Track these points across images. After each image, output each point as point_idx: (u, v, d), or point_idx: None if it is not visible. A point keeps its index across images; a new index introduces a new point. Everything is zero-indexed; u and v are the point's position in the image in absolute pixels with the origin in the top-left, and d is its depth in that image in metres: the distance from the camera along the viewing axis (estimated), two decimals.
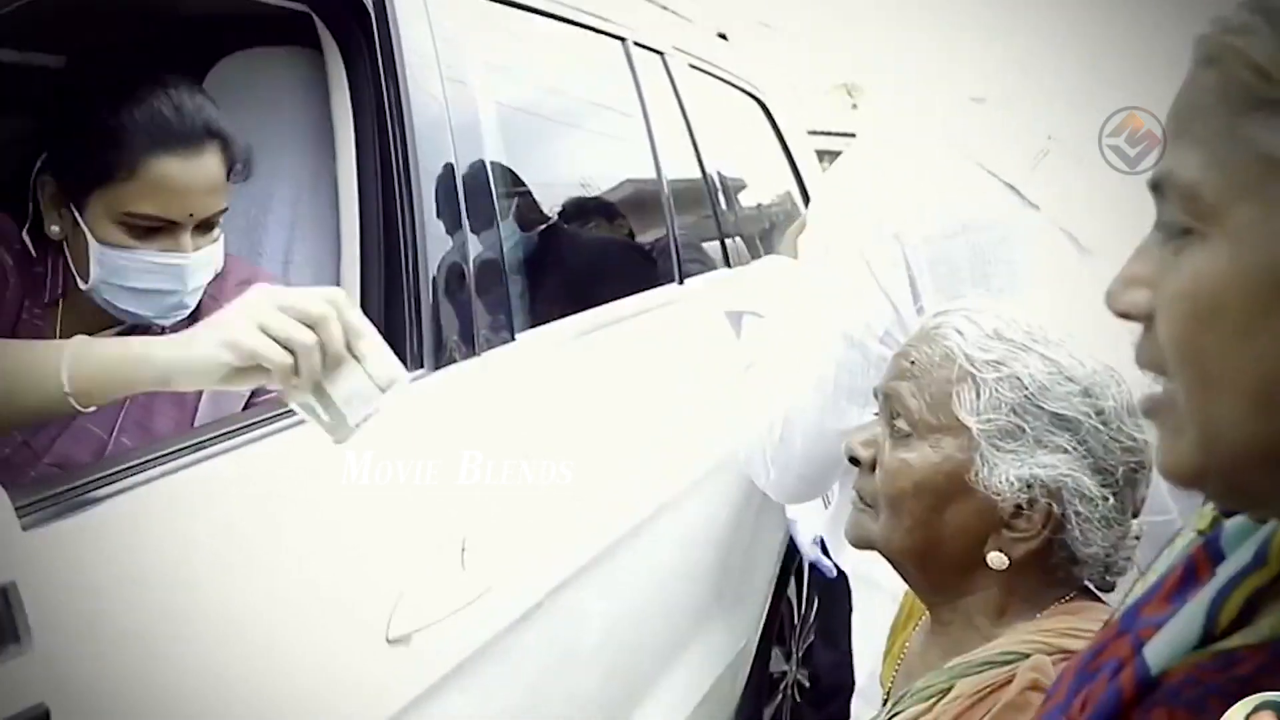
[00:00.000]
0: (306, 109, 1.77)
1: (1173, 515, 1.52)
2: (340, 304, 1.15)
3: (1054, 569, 1.21)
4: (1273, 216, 0.54)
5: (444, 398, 1.63)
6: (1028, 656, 1.14)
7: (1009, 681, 1.13)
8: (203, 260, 1.50)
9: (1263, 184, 0.55)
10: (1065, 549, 1.19)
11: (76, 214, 1.48)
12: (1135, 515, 1.22)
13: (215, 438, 1.28)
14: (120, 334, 1.54)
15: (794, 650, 3.28)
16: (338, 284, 1.67)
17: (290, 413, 1.37)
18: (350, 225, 1.68)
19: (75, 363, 1.12)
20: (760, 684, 3.03)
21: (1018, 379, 1.18)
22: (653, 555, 2.21)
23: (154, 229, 1.46)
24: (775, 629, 3.10)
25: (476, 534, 1.55)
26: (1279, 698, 0.49)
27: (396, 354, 1.58)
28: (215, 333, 1.13)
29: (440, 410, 1.62)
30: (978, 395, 1.18)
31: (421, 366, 1.62)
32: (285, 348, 1.10)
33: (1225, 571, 0.63)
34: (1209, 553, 0.65)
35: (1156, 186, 0.60)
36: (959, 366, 1.20)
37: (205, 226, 1.50)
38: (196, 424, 1.54)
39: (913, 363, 1.24)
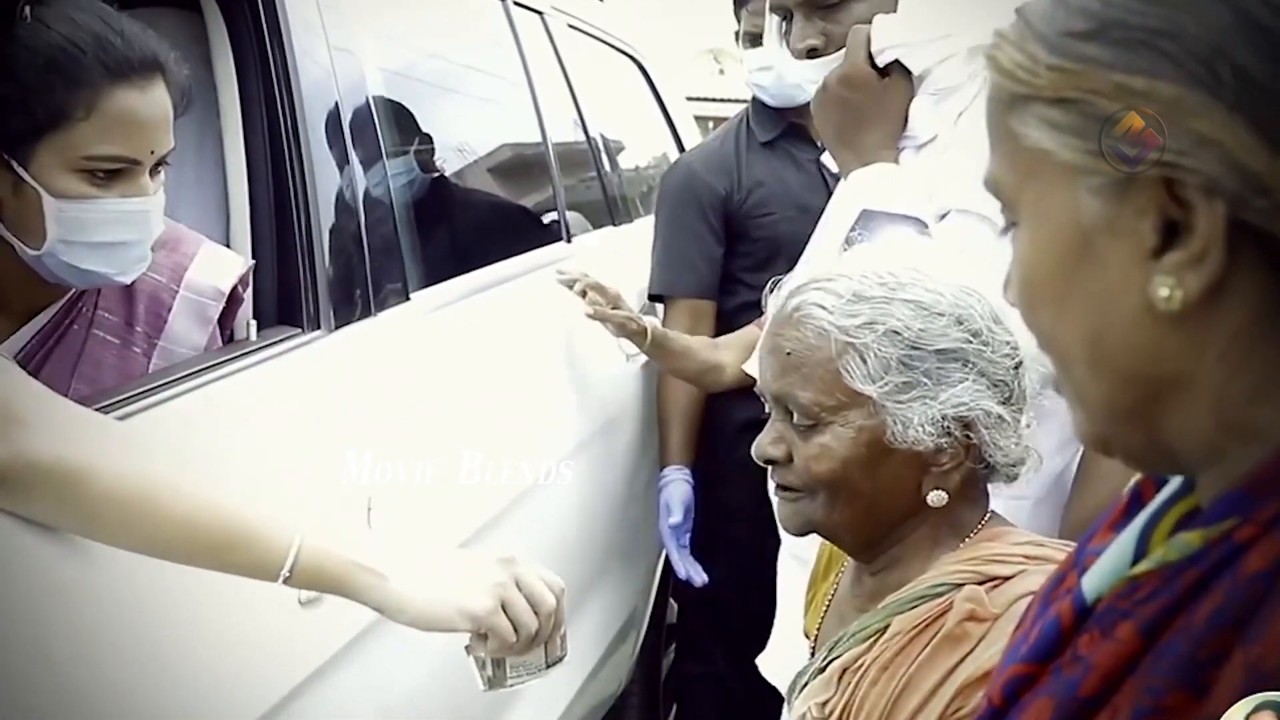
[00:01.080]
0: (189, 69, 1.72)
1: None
2: (559, 593, 1.23)
3: (975, 487, 1.26)
4: (1048, 196, 0.61)
5: (342, 359, 1.61)
6: (959, 586, 1.18)
7: (945, 613, 1.17)
8: (160, 204, 1.38)
9: (1035, 171, 0.61)
10: (984, 465, 1.24)
11: (20, 170, 1.29)
12: (1025, 404, 1.26)
13: (139, 393, 1.25)
14: (59, 313, 1.45)
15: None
16: (227, 244, 1.64)
17: (203, 371, 1.35)
18: (239, 186, 1.65)
19: (304, 556, 1.10)
20: (658, 634, 3.07)
21: (894, 332, 1.20)
22: (550, 514, 2.22)
23: (114, 172, 1.32)
24: (670, 582, 3.15)
25: (381, 495, 1.55)
26: (1279, 698, 0.51)
27: (291, 316, 1.59)
28: (456, 596, 1.16)
29: (339, 371, 1.60)
30: (864, 361, 1.20)
31: (317, 328, 1.60)
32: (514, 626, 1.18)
33: (1159, 499, 0.66)
34: (1155, 481, 0.69)
35: (988, 190, 0.67)
36: (835, 341, 1.21)
37: (156, 167, 1.37)
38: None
39: (790, 354, 1.25)
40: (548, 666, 1.26)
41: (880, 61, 1.68)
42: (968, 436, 1.21)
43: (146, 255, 1.39)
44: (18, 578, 1.03)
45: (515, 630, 1.18)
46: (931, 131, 1.70)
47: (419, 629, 1.18)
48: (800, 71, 1.76)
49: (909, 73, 1.70)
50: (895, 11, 1.69)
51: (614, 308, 2.24)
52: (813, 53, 1.74)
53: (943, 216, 1.66)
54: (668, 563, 3.09)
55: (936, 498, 1.23)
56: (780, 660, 1.95)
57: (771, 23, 1.81)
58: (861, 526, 1.27)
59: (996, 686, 0.67)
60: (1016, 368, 1.23)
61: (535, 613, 1.20)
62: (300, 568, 1.11)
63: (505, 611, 1.18)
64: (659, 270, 2.65)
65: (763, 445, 1.28)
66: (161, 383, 1.32)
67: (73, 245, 1.33)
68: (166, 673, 1.15)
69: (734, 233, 2.55)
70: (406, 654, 1.58)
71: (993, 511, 1.30)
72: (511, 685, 1.25)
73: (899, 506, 1.25)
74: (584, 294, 2.23)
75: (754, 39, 2.55)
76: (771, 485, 1.32)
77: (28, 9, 1.30)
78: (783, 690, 2.01)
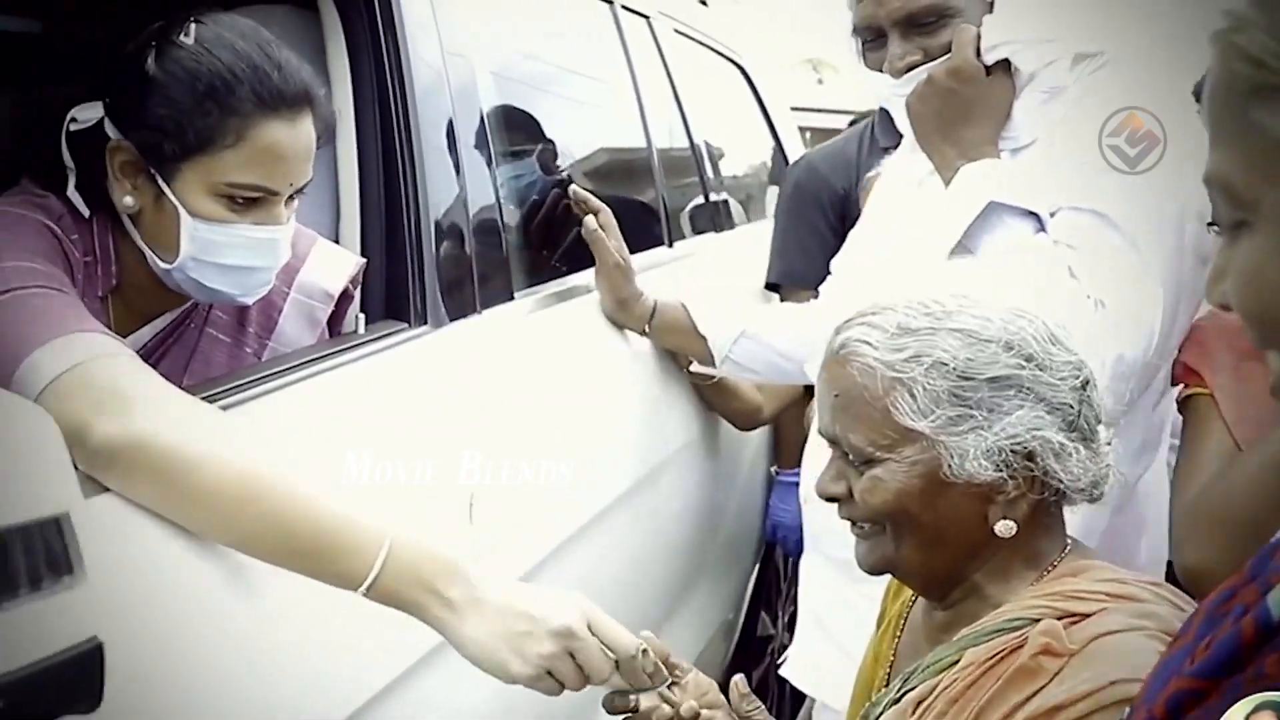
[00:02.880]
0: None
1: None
2: (634, 654, 1.24)
3: (1049, 515, 1.22)
4: None
5: (448, 354, 1.62)
6: (1036, 621, 1.14)
7: (1019, 647, 1.13)
8: (290, 232, 1.40)
9: None
10: (1055, 493, 1.19)
11: (163, 185, 1.33)
12: (1099, 423, 1.22)
13: (247, 383, 1.27)
14: (178, 319, 1.49)
15: (780, 615, 3.30)
16: (337, 240, 1.65)
17: (311, 362, 1.37)
18: (350, 184, 1.67)
19: (385, 576, 1.12)
20: (748, 648, 3.04)
21: (942, 364, 1.16)
22: (647, 519, 2.21)
23: (252, 199, 1.34)
24: (762, 595, 3.12)
25: (482, 491, 1.55)
26: (1279, 698, 0.48)
27: (398, 311, 1.60)
28: (506, 655, 1.18)
29: (445, 367, 1.61)
30: (913, 396, 1.17)
31: (424, 324, 1.61)
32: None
33: None
34: None
35: (1209, 186, 0.63)
36: (882, 378, 1.18)
37: (291, 197, 1.39)
38: None
39: (837, 395, 1.22)
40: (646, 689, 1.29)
41: (989, 59, 1.69)
42: (1029, 466, 1.17)
43: (271, 280, 1.42)
44: (172, 546, 1.05)
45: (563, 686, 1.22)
46: (1033, 134, 1.70)
47: (471, 662, 1.20)
48: (897, 88, 1.75)
49: (1010, 74, 1.71)
50: (980, 28, 1.69)
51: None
52: (911, 69, 1.74)
53: (1052, 214, 1.65)
54: (761, 574, 3.07)
55: (1004, 528, 1.19)
56: (807, 662, 1.93)
57: (854, 44, 1.80)
58: (930, 561, 1.23)
59: (1159, 701, 0.63)
60: (1082, 388, 1.19)
61: (587, 677, 1.23)
62: (379, 586, 1.13)
63: (553, 675, 1.21)
64: (776, 259, 2.71)
65: (823, 483, 1.27)
66: (270, 372, 1.34)
67: (203, 264, 1.35)
68: (260, 664, 1.15)
69: (848, 232, 2.55)
70: None
71: (1073, 540, 1.25)
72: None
73: (966, 539, 1.21)
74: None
75: None
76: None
77: (192, 27, 1.33)
78: (809, 693, 2.01)
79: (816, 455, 1.90)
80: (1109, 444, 1.22)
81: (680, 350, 2.22)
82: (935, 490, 1.18)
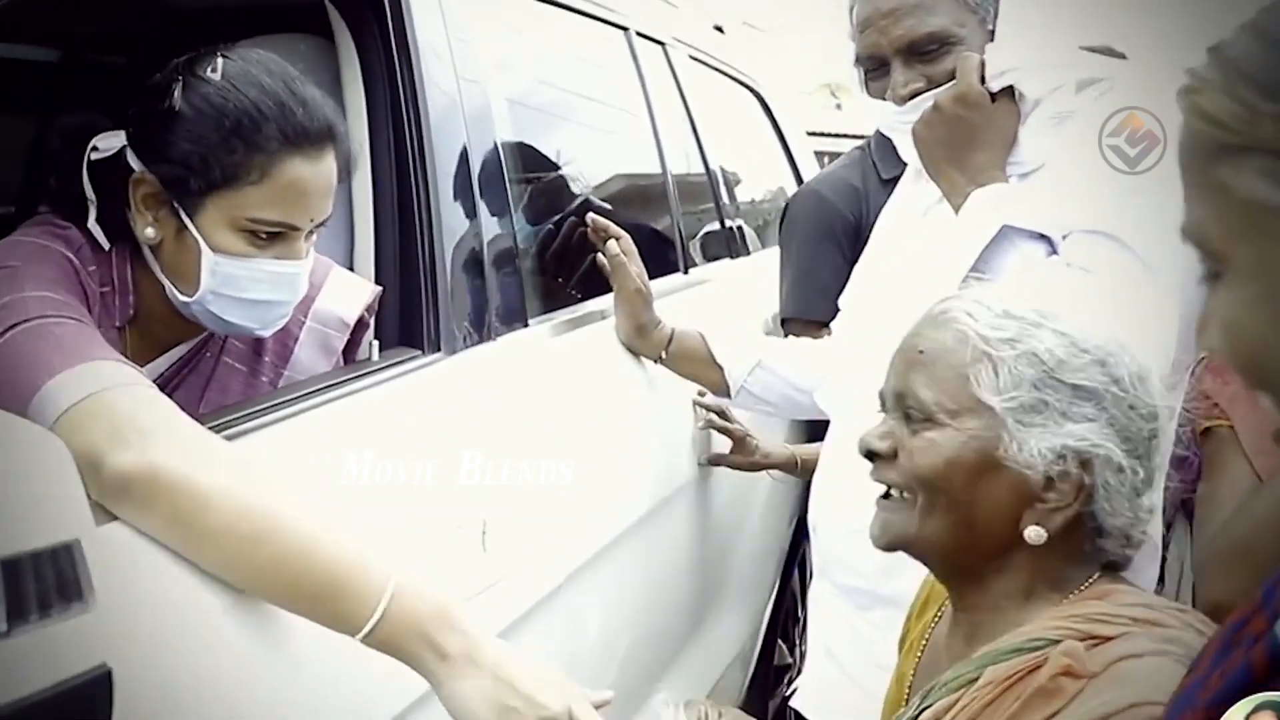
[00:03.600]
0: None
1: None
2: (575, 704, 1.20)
3: (1080, 543, 1.21)
4: (1269, 250, 0.59)
5: (461, 381, 1.62)
6: (1057, 642, 1.13)
7: (1039, 667, 1.12)
8: (309, 266, 1.42)
9: (1252, 224, 0.58)
10: (1093, 520, 1.19)
11: (185, 219, 1.35)
12: (1152, 482, 1.21)
13: (261, 410, 1.28)
14: (195, 348, 1.50)
15: (797, 643, 3.28)
16: (351, 267, 1.66)
17: (325, 389, 1.37)
18: (364, 210, 1.67)
19: (384, 624, 1.11)
20: (766, 677, 3.02)
21: (1035, 354, 1.17)
22: (663, 545, 2.20)
23: (274, 234, 1.35)
24: (779, 623, 3.10)
25: (496, 518, 1.55)
26: (1279, 698, 0.48)
27: (411, 338, 1.61)
28: (509, 717, 1.15)
29: (459, 393, 1.61)
30: (996, 374, 1.18)
31: (438, 350, 1.61)
32: None
33: None
34: None
35: (1184, 238, 0.65)
36: (973, 348, 1.19)
37: (312, 232, 1.41)
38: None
39: (922, 352, 1.23)
40: None
41: (994, 86, 1.69)
42: (1082, 475, 1.16)
43: (288, 314, 1.43)
44: (181, 573, 1.06)
45: None
46: (1040, 159, 1.71)
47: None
48: (901, 115, 1.76)
49: (1014, 100, 1.71)
50: (984, 55, 1.71)
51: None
52: (914, 97, 1.75)
53: (1064, 238, 1.65)
54: (778, 603, 3.05)
55: (1034, 534, 1.18)
56: (816, 692, 1.92)
57: (858, 74, 1.81)
58: (953, 545, 1.22)
59: None
60: (1149, 437, 1.19)
61: None
62: (377, 634, 1.12)
63: None
64: (792, 294, 2.67)
65: (868, 438, 1.26)
66: (285, 399, 1.34)
67: (222, 298, 1.36)
68: (270, 694, 1.15)
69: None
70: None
71: (1105, 570, 1.24)
72: None
73: (993, 533, 1.20)
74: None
75: None
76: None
77: (219, 62, 1.35)
78: None
79: (827, 482, 1.89)
80: (1151, 511, 1.22)
81: (695, 379, 2.21)
82: (983, 470, 1.18)
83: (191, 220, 1.34)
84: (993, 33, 1.72)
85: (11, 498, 0.72)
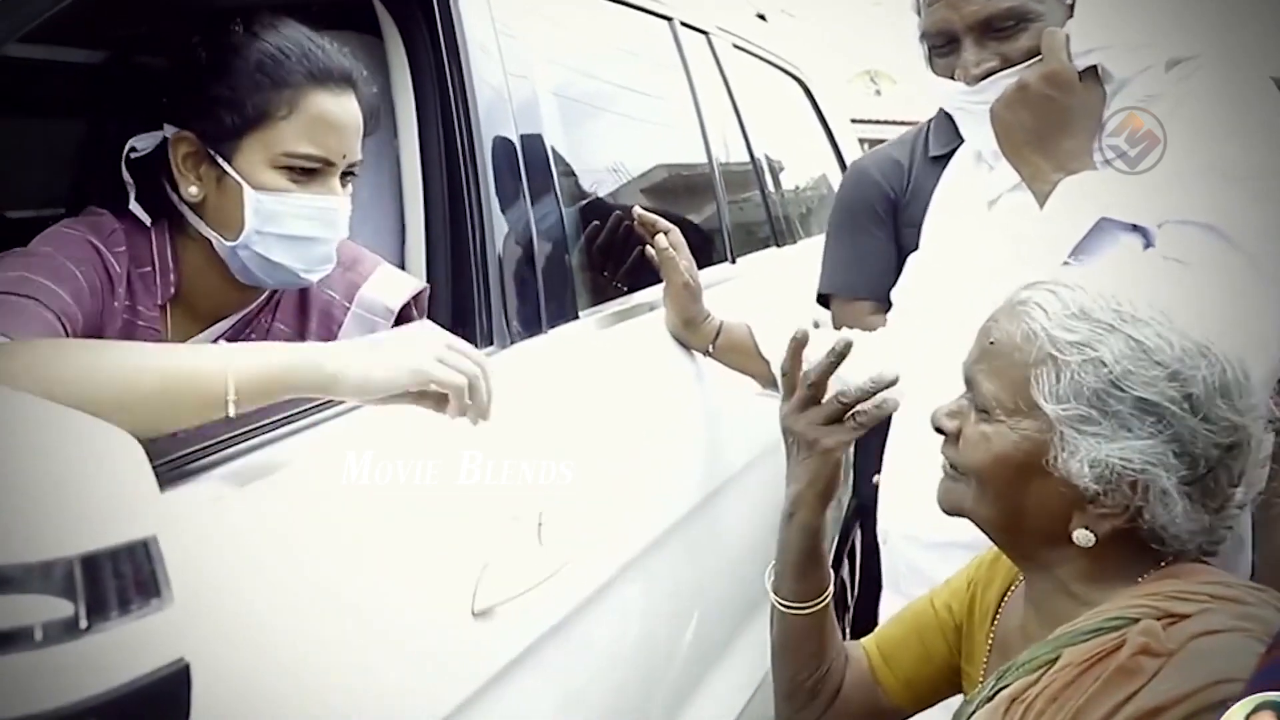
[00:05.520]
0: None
1: None
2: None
3: (1142, 542, 1.20)
4: None
5: (515, 374, 1.63)
6: (1136, 621, 1.13)
7: (1118, 647, 1.12)
8: (347, 207, 1.48)
9: None
10: (1149, 525, 1.17)
11: (225, 165, 1.42)
12: (1235, 487, 1.19)
13: (305, 410, 1.28)
14: (239, 323, 1.53)
15: (845, 632, 3.27)
16: (402, 265, 1.67)
17: None
18: (415, 205, 1.69)
19: (241, 370, 1.10)
20: None
21: (1101, 362, 1.15)
22: (712, 537, 2.20)
23: (310, 171, 1.43)
24: None
25: (552, 509, 1.55)
26: (1278, 698, 0.47)
27: (465, 332, 1.61)
28: (395, 358, 1.19)
29: (513, 386, 1.61)
30: (1057, 379, 1.17)
31: (491, 344, 1.62)
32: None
33: None
34: None
35: None
36: (1039, 348, 1.18)
37: (345, 177, 1.47)
38: None
39: (993, 343, 1.23)
40: None
41: (1081, 65, 1.59)
42: (1128, 495, 1.15)
43: (332, 256, 1.47)
44: (256, 569, 1.07)
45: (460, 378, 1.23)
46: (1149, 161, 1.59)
47: (372, 400, 1.21)
48: (971, 96, 1.65)
49: (1099, 82, 1.62)
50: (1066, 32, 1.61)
51: None
52: (986, 76, 1.64)
53: (1159, 227, 1.56)
54: None
55: (1082, 537, 1.18)
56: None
57: (921, 50, 1.70)
58: (1004, 532, 1.25)
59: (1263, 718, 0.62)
60: (1228, 449, 1.16)
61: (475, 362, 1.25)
62: (242, 381, 1.09)
63: (444, 364, 1.22)
64: (826, 269, 2.61)
65: (939, 414, 1.29)
66: None
67: (266, 237, 1.42)
68: (341, 684, 1.16)
69: (900, 238, 2.50)
70: (563, 673, 1.58)
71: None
72: None
73: (1043, 530, 1.21)
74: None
75: None
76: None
77: (240, 25, 1.44)
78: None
79: (896, 487, 1.87)
80: (1240, 507, 1.19)
81: (742, 371, 2.19)
82: (1030, 472, 1.19)
83: (230, 164, 1.41)
84: (1072, 8, 1.62)
85: (87, 496, 0.74)
